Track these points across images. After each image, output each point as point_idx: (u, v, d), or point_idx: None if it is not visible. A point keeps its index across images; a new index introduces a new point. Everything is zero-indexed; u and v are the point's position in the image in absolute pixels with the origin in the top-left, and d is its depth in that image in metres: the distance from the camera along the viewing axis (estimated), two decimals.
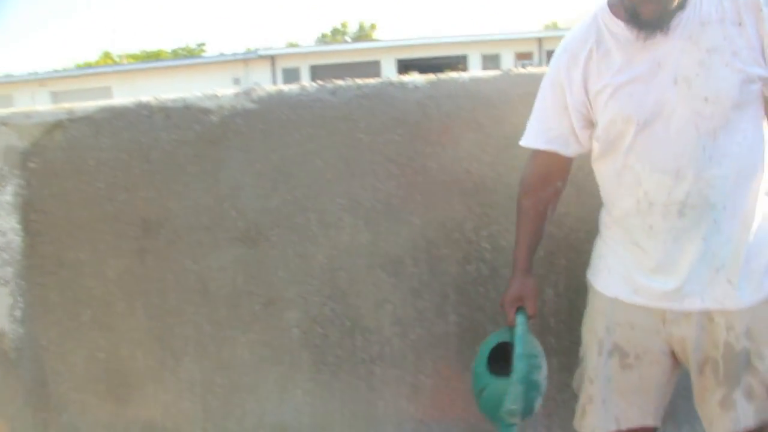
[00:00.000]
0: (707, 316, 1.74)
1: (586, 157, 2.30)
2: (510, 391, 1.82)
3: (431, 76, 2.35)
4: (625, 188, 1.77)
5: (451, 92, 2.31)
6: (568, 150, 1.86)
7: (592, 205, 2.31)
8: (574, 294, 2.36)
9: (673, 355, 1.85)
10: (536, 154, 1.92)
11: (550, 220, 2.32)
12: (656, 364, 1.85)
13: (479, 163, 2.30)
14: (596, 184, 2.30)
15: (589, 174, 2.30)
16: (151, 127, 2.38)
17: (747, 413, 1.75)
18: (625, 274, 1.82)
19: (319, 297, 2.39)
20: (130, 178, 2.41)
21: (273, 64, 23.49)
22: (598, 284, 1.91)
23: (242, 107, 2.36)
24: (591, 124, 1.80)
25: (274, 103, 2.36)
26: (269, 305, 2.41)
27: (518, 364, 1.82)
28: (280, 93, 2.38)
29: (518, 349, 1.82)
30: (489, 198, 2.32)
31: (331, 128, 2.33)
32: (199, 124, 2.37)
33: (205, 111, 2.37)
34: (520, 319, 1.88)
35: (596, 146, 1.83)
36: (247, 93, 2.37)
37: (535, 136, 1.90)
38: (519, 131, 2.28)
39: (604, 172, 1.86)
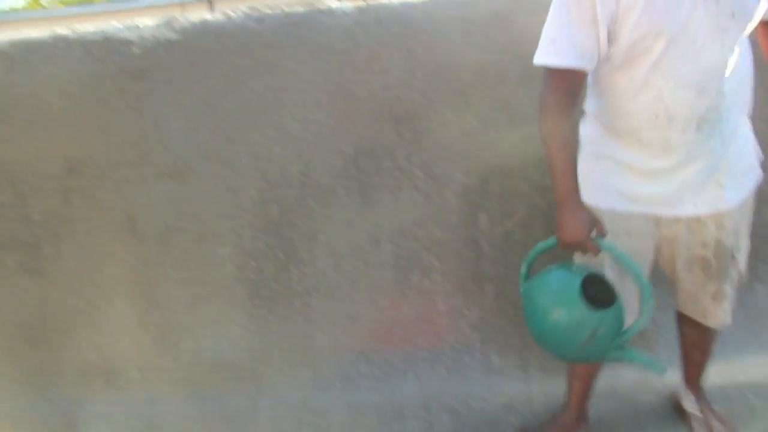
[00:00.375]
0: (696, 218, 1.83)
1: (519, 82, 2.30)
2: (645, 309, 1.74)
3: (360, 2, 2.29)
4: (642, 103, 1.73)
5: (381, 18, 2.25)
6: (592, 66, 1.72)
7: (525, 131, 2.32)
8: (509, 220, 2.38)
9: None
10: (558, 74, 1.74)
11: (484, 146, 2.33)
12: (646, 266, 1.93)
13: (410, 89, 2.26)
14: (530, 110, 2.30)
15: (523, 99, 2.30)
16: (69, 61, 2.28)
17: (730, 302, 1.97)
18: (622, 185, 1.83)
19: (252, 231, 2.36)
20: (49, 115, 2.31)
21: (211, 7, 22.79)
22: (590, 199, 1.87)
23: (165, 38, 2.27)
24: (610, 39, 1.74)
25: (198, 33, 2.28)
26: (201, 241, 2.37)
27: (643, 281, 1.75)
28: (204, 23, 2.29)
29: (636, 268, 1.75)
30: (420, 125, 2.29)
31: (257, 57, 2.26)
32: (120, 56, 2.28)
33: (126, 43, 2.28)
34: (607, 243, 1.78)
35: (611, 61, 1.73)
36: (169, 23, 2.28)
37: (563, 54, 1.71)
38: (450, 57, 2.27)
39: (614, 87, 1.77)
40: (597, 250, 1.77)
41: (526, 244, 2.38)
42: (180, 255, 2.38)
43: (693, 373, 2.21)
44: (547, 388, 2.40)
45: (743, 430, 2.17)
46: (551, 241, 1.82)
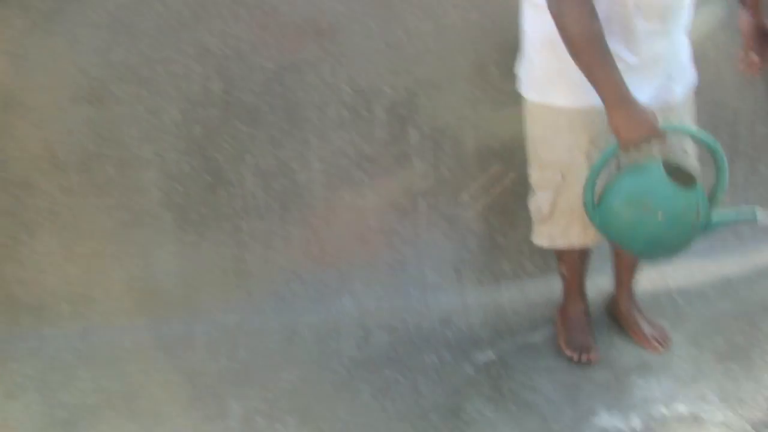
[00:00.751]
0: None
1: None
2: (722, 171, 1.76)
3: None
4: None
5: None
6: None
7: (453, 42, 2.28)
8: (439, 134, 2.36)
9: None
10: None
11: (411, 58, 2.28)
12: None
13: (332, 0, 2.19)
14: (457, 19, 2.25)
15: (449, 8, 2.25)
16: None
17: None
18: (583, 81, 1.70)
19: (176, 153, 2.28)
20: None
21: None
22: (563, 100, 1.84)
23: None
24: None
25: None
26: (124, 167, 2.29)
27: (713, 143, 1.74)
28: None
29: (704, 134, 1.77)
30: (345, 38, 2.23)
31: None
32: None
33: None
34: (671, 125, 1.81)
35: None
36: None
37: None
38: None
39: None
40: (665, 137, 1.75)
41: (456, 157, 2.37)
42: (103, 182, 2.30)
43: (625, 277, 2.25)
44: (483, 300, 2.43)
45: (673, 333, 2.24)
46: (612, 148, 1.73)
